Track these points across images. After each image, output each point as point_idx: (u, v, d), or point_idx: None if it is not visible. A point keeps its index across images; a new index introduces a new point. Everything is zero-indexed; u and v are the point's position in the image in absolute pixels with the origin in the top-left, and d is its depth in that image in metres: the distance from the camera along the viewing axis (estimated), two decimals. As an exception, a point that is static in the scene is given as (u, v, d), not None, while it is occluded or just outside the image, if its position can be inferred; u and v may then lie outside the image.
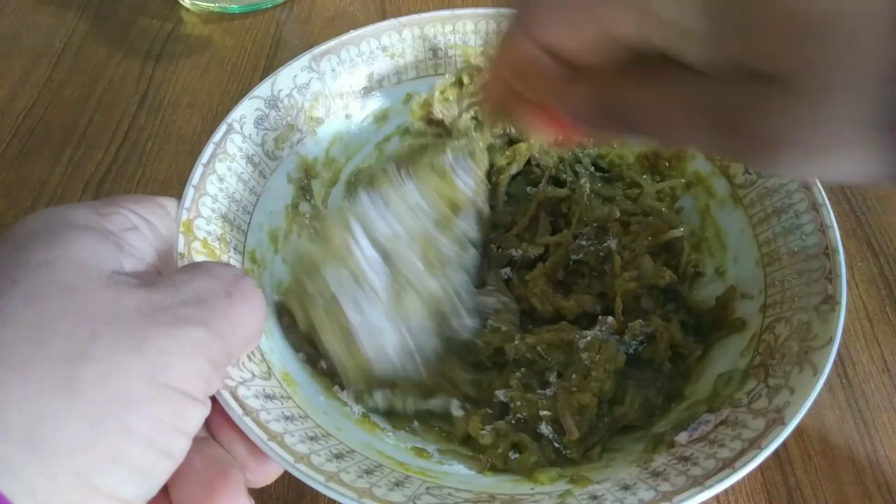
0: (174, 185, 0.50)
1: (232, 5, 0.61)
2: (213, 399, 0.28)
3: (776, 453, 0.38)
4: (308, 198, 0.42)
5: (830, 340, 0.29)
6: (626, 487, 0.28)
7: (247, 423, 0.27)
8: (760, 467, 0.38)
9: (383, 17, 0.44)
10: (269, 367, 0.32)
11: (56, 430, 0.20)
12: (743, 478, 0.36)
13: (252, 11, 0.62)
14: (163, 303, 0.23)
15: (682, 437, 0.31)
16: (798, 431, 0.39)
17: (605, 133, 0.29)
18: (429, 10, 0.45)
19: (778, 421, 0.28)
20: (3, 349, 0.20)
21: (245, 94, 0.39)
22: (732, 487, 0.37)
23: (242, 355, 0.30)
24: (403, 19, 0.44)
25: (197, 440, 0.27)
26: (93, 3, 0.63)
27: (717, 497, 0.37)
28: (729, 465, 0.27)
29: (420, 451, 0.33)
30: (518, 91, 0.26)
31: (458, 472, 0.32)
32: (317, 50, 0.42)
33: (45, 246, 0.23)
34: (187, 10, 0.62)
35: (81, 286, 0.22)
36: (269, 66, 0.58)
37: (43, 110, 0.55)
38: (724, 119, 0.20)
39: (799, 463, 0.38)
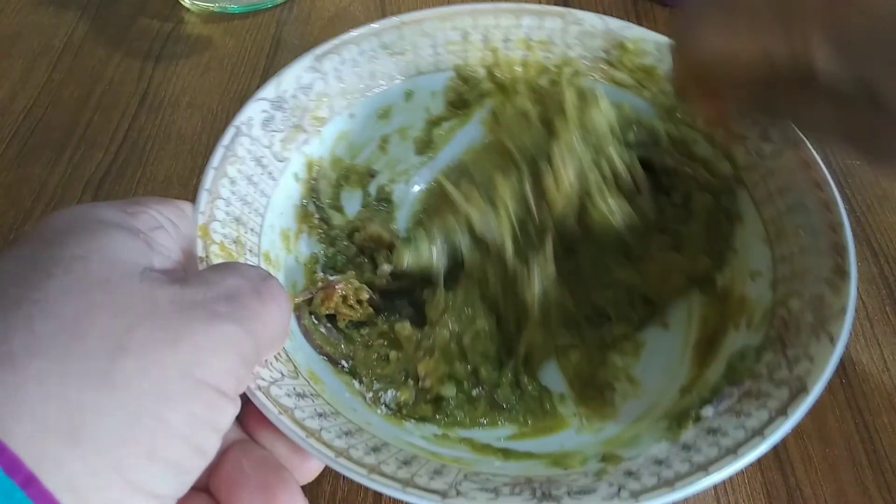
0: (174, 185, 0.50)
1: (232, 5, 0.61)
2: (247, 399, 0.28)
3: (776, 453, 0.39)
4: (315, 198, 0.42)
5: (844, 309, 0.30)
6: (659, 462, 0.29)
7: (284, 422, 0.28)
8: (761, 468, 0.38)
9: (383, 17, 0.44)
10: (295, 367, 0.32)
11: (96, 425, 0.20)
12: (743, 477, 0.37)
13: (252, 11, 0.62)
14: (195, 298, 0.23)
15: (707, 411, 0.31)
16: (798, 431, 0.39)
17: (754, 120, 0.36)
18: (428, 7, 0.45)
19: (801, 389, 0.28)
20: (44, 341, 0.20)
21: (246, 94, 0.39)
22: (732, 487, 0.37)
23: (269, 356, 0.30)
24: (405, 17, 0.44)
25: (237, 442, 0.28)
26: (93, 3, 0.62)
27: (717, 497, 0.37)
28: (759, 433, 0.28)
29: (445, 436, 0.34)
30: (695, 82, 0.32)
31: (491, 461, 0.33)
32: (319, 50, 0.42)
33: (78, 241, 0.23)
34: (187, 10, 0.62)
35: (116, 280, 0.22)
36: (269, 66, 0.58)
37: (43, 110, 0.54)
38: (849, 131, 0.27)
39: (799, 463, 0.38)
